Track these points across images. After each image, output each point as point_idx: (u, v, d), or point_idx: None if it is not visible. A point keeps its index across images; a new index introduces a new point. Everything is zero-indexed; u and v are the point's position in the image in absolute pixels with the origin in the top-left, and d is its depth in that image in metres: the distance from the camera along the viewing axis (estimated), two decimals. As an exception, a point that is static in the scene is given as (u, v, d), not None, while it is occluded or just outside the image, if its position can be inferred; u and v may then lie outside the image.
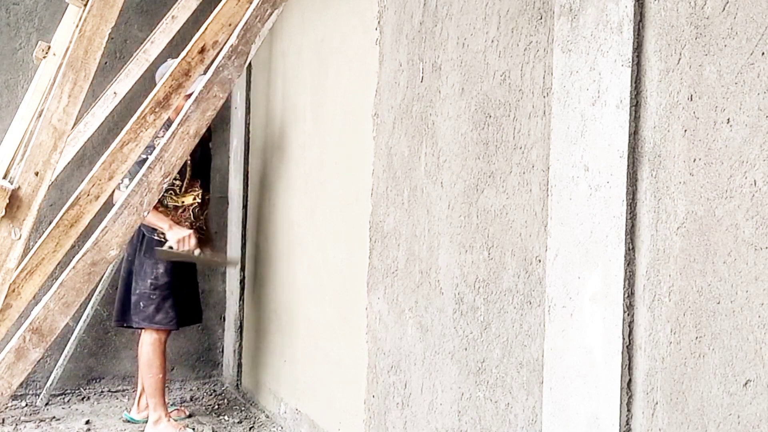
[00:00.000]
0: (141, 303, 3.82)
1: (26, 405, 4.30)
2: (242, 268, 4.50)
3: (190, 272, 4.09)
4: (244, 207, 4.56)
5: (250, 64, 4.46)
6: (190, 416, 4.15)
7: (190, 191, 3.91)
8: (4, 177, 2.87)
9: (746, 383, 1.51)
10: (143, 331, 3.89)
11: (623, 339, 1.78)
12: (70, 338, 4.37)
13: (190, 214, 3.89)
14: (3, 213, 2.12)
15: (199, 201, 3.93)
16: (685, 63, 1.66)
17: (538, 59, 2.12)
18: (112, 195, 2.82)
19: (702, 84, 1.62)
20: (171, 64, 2.98)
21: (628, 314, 1.78)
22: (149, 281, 3.81)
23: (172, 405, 4.16)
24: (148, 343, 3.86)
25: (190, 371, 4.80)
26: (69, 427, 4.00)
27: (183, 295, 3.96)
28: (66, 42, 3.37)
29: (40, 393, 4.37)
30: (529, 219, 2.14)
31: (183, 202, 3.88)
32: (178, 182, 3.84)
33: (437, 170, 2.58)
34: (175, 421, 3.92)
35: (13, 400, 4.28)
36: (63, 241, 2.60)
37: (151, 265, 3.82)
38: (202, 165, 4.03)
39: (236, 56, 2.44)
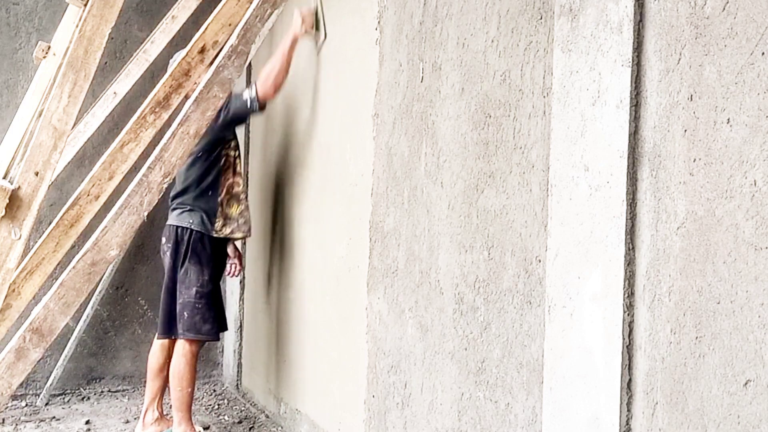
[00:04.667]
0: (185, 312, 3.62)
1: (26, 405, 4.30)
2: (242, 268, 4.49)
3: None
4: (244, 207, 4.55)
5: (250, 64, 4.46)
6: (206, 429, 4.02)
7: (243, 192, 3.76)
8: (4, 177, 2.87)
9: (746, 383, 1.51)
10: (178, 340, 3.67)
11: (623, 339, 1.78)
12: (70, 338, 4.37)
13: (243, 217, 3.75)
14: (3, 213, 2.12)
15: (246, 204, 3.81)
16: (685, 63, 1.66)
17: (538, 59, 2.12)
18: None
19: (702, 84, 1.62)
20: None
21: (628, 314, 1.78)
22: (194, 289, 3.62)
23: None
24: (181, 354, 3.63)
25: (190, 371, 4.79)
26: (69, 427, 4.00)
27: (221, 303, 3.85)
28: (66, 42, 3.38)
29: (40, 393, 4.37)
30: (529, 219, 2.14)
31: (240, 209, 3.74)
32: (241, 187, 3.74)
33: (437, 170, 2.58)
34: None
35: (13, 400, 4.28)
36: (63, 241, 2.60)
37: (196, 272, 3.63)
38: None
39: (236, 56, 2.44)
